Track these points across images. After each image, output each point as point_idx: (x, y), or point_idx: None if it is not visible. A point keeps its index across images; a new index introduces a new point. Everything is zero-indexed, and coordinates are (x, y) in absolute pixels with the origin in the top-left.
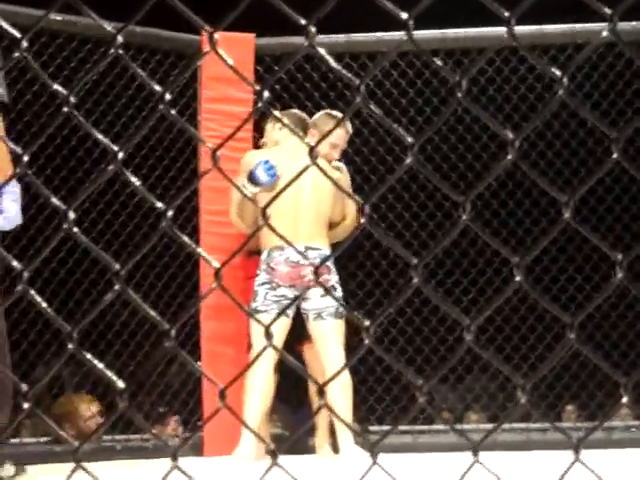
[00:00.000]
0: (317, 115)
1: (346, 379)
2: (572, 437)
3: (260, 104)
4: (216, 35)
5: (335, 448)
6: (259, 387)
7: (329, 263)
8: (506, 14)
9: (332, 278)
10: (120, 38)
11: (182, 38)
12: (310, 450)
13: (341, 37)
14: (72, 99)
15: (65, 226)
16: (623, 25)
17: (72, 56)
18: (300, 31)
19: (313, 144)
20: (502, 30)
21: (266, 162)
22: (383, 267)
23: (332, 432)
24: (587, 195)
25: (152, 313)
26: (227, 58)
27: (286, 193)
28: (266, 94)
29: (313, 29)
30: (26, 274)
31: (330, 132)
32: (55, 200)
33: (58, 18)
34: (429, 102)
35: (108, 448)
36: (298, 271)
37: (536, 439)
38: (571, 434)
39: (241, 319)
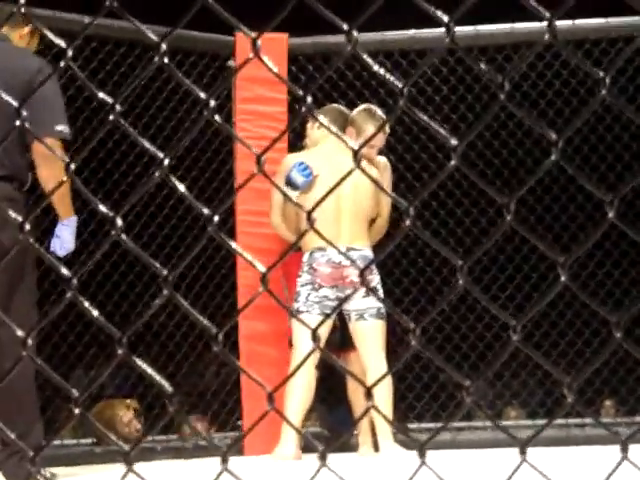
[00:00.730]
0: (356, 111)
1: (386, 378)
2: (618, 433)
3: (303, 109)
4: (254, 37)
5: (376, 446)
6: (301, 387)
7: (372, 265)
8: (547, 14)
9: (374, 279)
10: (164, 46)
11: (216, 39)
12: (351, 448)
13: (375, 35)
14: (118, 107)
15: (113, 233)
16: None
17: (107, 59)
18: (334, 30)
19: (353, 144)
20: (536, 26)
21: (300, 164)
22: (422, 268)
23: (373, 430)
24: (630, 194)
25: (200, 318)
26: (270, 63)
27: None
28: (309, 99)
29: (355, 34)
30: (75, 281)
31: (372, 137)
32: (103, 207)
33: (97, 22)
34: (464, 99)
35: (149, 449)
36: (340, 272)
37: (575, 434)
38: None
39: (279, 318)
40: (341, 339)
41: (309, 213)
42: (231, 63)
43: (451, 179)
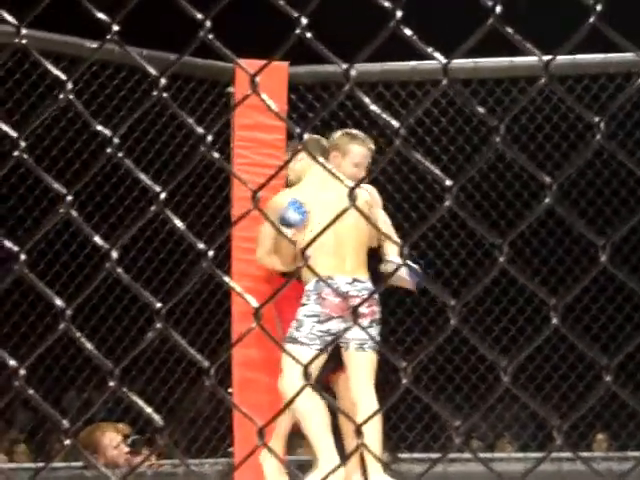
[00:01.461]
0: (336, 135)
1: (379, 417)
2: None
3: (299, 145)
4: (252, 74)
5: (365, 477)
6: (314, 410)
7: (376, 295)
8: (544, 57)
9: (378, 310)
10: (163, 80)
11: (216, 66)
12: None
13: (375, 66)
14: (116, 140)
15: (107, 265)
16: None
17: (108, 83)
18: (334, 62)
19: (349, 183)
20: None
21: (294, 202)
22: (422, 304)
23: (362, 460)
24: (628, 236)
25: (191, 351)
26: (267, 99)
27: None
28: (306, 136)
29: (354, 73)
30: (69, 312)
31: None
32: (98, 239)
33: (94, 46)
34: (462, 133)
35: (140, 474)
36: (348, 302)
37: (567, 469)
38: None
39: (273, 346)
40: (333, 365)
41: (303, 250)
42: (230, 89)
43: (441, 220)
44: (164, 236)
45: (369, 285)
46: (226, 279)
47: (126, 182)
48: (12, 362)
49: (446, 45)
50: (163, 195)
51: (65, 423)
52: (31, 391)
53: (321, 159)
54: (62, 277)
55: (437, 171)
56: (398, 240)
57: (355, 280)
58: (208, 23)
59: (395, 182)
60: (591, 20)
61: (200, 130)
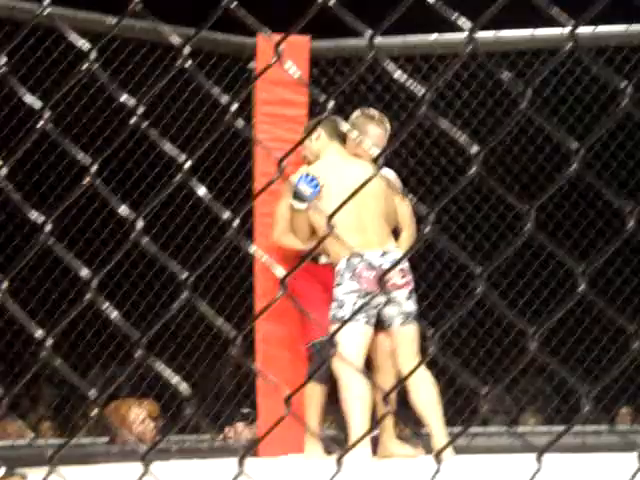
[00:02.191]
0: (353, 115)
1: (436, 389)
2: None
3: (326, 113)
4: (276, 42)
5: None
6: (359, 397)
7: (407, 266)
8: (570, 21)
9: (412, 279)
10: (187, 49)
11: (237, 41)
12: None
13: (397, 39)
14: (140, 110)
15: (133, 235)
16: None
17: (129, 59)
18: (356, 33)
19: (374, 150)
20: (559, 31)
21: (307, 176)
22: (441, 272)
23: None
24: None
25: (219, 321)
26: (293, 68)
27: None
28: (331, 104)
29: (378, 40)
30: (95, 282)
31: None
32: (125, 209)
33: (115, 22)
34: (485, 104)
35: (164, 449)
36: (384, 275)
37: (591, 442)
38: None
39: (296, 322)
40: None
41: (329, 218)
42: (253, 65)
43: (470, 185)
44: (188, 210)
45: (399, 254)
46: (252, 248)
47: (150, 156)
48: (39, 332)
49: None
50: (188, 164)
51: (93, 392)
52: (58, 361)
53: (337, 139)
54: (88, 250)
55: (464, 137)
56: (414, 225)
57: (385, 253)
58: None
59: (418, 153)
60: None
61: (224, 99)
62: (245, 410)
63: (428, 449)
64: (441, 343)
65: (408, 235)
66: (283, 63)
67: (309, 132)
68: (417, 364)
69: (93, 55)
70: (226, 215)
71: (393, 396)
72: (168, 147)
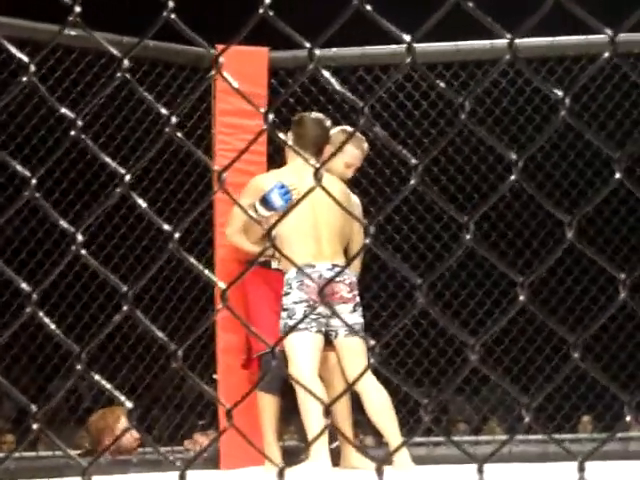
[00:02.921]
0: (335, 130)
1: (386, 395)
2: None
3: (265, 127)
4: (216, 54)
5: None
6: (318, 405)
7: (354, 281)
8: (508, 35)
9: (357, 296)
10: (126, 62)
11: (196, 52)
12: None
13: (355, 50)
14: (79, 122)
15: (73, 248)
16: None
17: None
18: (314, 45)
19: (314, 163)
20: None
21: (281, 187)
22: (385, 284)
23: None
24: (593, 215)
25: (160, 334)
26: (229, 77)
27: (304, 212)
28: (271, 116)
29: (317, 52)
30: (35, 296)
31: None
32: (64, 223)
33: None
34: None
35: (124, 461)
36: (332, 288)
37: (553, 450)
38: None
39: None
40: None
41: (269, 232)
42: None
43: (413, 195)
44: (146, 223)
45: (348, 270)
46: (192, 261)
47: (94, 167)
48: None
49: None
50: (128, 177)
51: (33, 407)
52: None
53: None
54: (30, 263)
55: (403, 150)
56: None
57: (335, 266)
58: (171, 3)
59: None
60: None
61: (164, 111)
62: (203, 422)
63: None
64: (384, 354)
65: (355, 264)
66: (222, 73)
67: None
68: (359, 374)
69: (32, 68)
70: (167, 227)
71: (345, 406)
72: (107, 160)
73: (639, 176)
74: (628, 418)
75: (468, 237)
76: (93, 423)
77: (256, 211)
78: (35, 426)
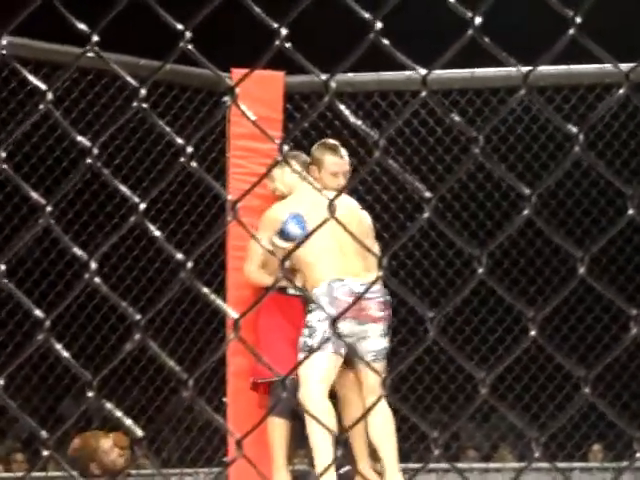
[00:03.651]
0: (314, 147)
1: (391, 420)
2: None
3: (279, 158)
4: (231, 86)
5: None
6: (328, 425)
7: (388, 299)
8: (523, 70)
9: (390, 316)
10: (143, 91)
11: (212, 75)
12: None
13: (371, 75)
14: (95, 151)
15: (87, 276)
16: None
17: (88, 89)
18: (330, 70)
19: (327, 194)
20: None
21: (296, 216)
22: (402, 314)
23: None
24: (605, 249)
25: (171, 363)
26: (243, 107)
27: (326, 234)
28: (286, 148)
29: (333, 84)
30: (48, 323)
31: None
32: (77, 250)
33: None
34: (444, 143)
35: None
36: (361, 305)
37: None
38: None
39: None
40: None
41: (282, 261)
42: (226, 99)
43: (420, 230)
44: (158, 246)
45: (381, 287)
46: (205, 290)
47: (108, 192)
48: None
49: (425, 56)
50: (143, 206)
51: (43, 433)
52: (8, 400)
53: (304, 173)
54: (41, 287)
55: (417, 182)
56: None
57: (364, 283)
58: (188, 34)
59: (375, 192)
60: (571, 32)
61: (180, 141)
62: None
63: None
64: (396, 381)
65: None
66: (238, 104)
67: (266, 172)
68: (376, 400)
69: (49, 96)
70: (179, 256)
71: (360, 426)
72: (122, 188)
73: None
74: (639, 454)
75: (481, 270)
76: (77, 450)
77: (274, 244)
78: (45, 452)
